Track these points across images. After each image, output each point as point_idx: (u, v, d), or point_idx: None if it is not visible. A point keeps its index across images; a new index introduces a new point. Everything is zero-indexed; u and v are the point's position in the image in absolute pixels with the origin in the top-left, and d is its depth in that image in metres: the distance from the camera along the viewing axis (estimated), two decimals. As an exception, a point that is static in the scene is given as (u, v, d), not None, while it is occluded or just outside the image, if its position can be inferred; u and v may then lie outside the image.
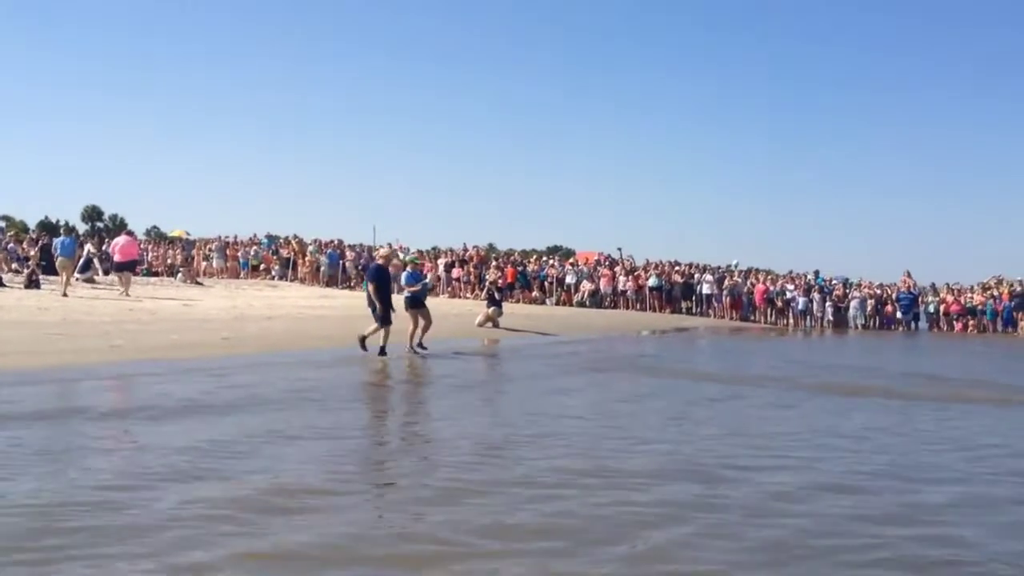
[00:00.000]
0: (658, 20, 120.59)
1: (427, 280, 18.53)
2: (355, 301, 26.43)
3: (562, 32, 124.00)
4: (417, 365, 13.55)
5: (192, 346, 13.77)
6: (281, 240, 37.73)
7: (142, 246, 38.77)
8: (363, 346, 14.02)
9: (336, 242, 35.27)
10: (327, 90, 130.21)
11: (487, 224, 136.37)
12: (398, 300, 15.04)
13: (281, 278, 33.60)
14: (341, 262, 33.32)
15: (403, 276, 15.88)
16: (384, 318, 14.05)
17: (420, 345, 14.91)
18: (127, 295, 21.57)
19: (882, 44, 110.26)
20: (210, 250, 35.13)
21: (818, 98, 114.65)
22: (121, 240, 24.97)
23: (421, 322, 14.97)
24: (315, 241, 35.79)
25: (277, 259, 35.04)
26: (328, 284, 32.19)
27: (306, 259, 33.79)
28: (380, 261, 15.83)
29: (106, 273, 26.05)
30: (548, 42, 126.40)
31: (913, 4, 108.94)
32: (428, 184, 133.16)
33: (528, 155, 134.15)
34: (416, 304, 15.07)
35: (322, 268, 32.98)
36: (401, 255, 24.68)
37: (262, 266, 34.77)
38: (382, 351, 13.82)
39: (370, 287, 14.39)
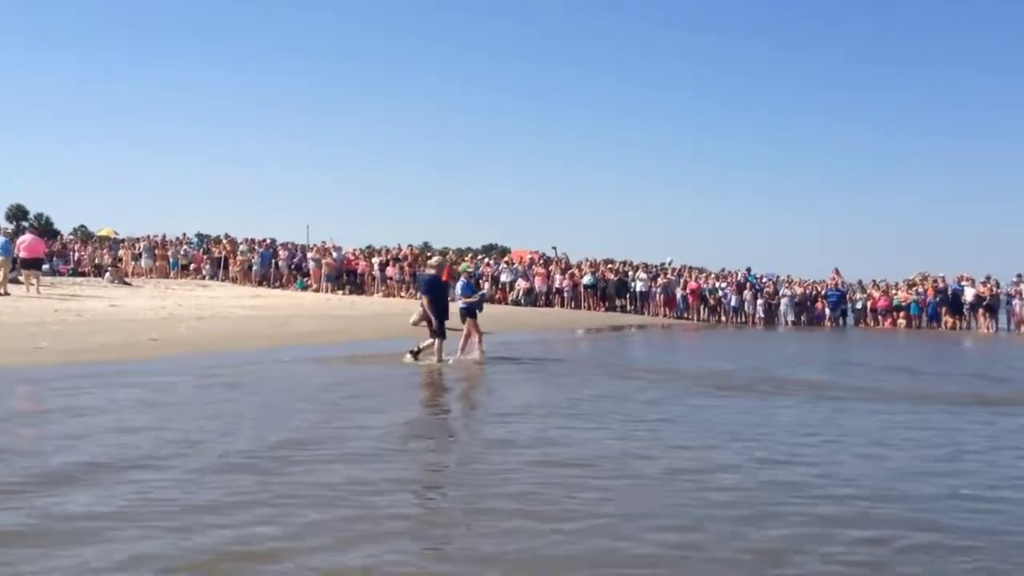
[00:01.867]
0: (595, 17, 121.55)
1: (484, 292, 18.25)
2: (288, 300, 26.15)
3: (499, 30, 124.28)
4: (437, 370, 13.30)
5: (119, 348, 13.42)
6: (212, 239, 37.05)
7: (69, 245, 37.82)
8: (415, 358, 13.38)
9: (268, 241, 34.80)
10: (257, 88, 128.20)
11: (422, 222, 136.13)
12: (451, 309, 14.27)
13: (212, 277, 33.05)
14: (273, 261, 32.94)
15: (458, 286, 15.07)
16: (439, 331, 13.46)
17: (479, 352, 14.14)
18: (37, 292, 21.67)
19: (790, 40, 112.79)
20: (139, 250, 34.35)
21: (746, 94, 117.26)
22: (27, 238, 24.73)
23: (475, 333, 14.28)
24: (247, 240, 35.23)
25: (208, 258, 34.43)
26: (260, 283, 31.80)
27: (237, 258, 33.24)
28: (432, 271, 14.42)
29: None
30: (482, 41, 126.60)
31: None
32: (362, 182, 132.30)
33: (463, 153, 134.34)
34: (471, 315, 14.32)
35: (254, 267, 32.53)
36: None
37: (192, 265, 34.17)
38: (439, 360, 13.35)
39: (424, 300, 13.79)
